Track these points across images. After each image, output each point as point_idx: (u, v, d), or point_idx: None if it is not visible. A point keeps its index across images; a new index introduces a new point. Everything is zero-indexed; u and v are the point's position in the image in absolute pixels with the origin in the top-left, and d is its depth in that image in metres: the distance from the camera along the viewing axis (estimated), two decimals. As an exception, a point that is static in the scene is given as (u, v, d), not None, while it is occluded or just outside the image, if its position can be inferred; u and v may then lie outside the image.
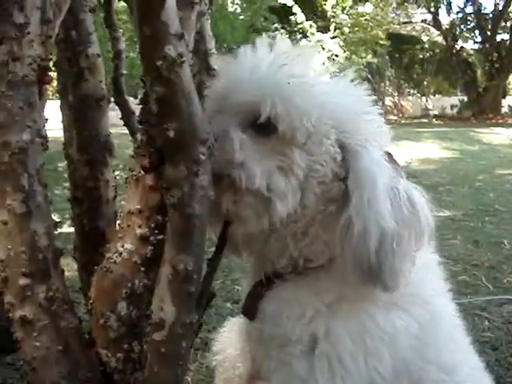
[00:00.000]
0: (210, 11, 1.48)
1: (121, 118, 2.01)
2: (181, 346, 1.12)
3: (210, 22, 1.51)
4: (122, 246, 1.27)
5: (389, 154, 1.19)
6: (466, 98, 25.13)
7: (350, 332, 1.14)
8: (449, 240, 4.07)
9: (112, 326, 1.26)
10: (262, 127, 1.13)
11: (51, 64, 1.37)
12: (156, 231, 1.25)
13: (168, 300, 1.10)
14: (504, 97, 24.63)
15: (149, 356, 1.14)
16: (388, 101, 24.06)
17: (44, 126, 1.20)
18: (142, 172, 1.17)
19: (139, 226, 1.26)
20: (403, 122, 20.24)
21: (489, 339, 2.53)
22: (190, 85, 1.06)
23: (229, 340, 1.44)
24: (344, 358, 1.13)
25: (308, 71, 1.18)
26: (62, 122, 1.62)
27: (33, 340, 1.16)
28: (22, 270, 1.13)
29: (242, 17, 14.47)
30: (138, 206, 1.26)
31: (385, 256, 1.10)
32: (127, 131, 1.97)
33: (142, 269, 1.27)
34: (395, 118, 23.42)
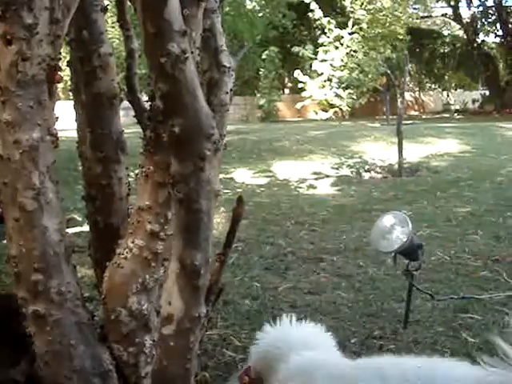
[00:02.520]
0: (223, 9, 1.49)
1: (134, 116, 2.03)
2: (189, 339, 1.13)
3: (220, 19, 1.51)
4: (133, 242, 1.29)
5: None
6: (487, 93, 24.77)
7: None
8: (470, 235, 4.02)
9: (123, 320, 1.28)
10: None
11: (64, 63, 1.39)
12: (166, 227, 1.26)
13: (176, 295, 1.11)
14: (527, 90, 24.21)
15: (158, 350, 1.15)
16: (409, 96, 23.82)
17: (54, 124, 1.21)
18: None
19: (149, 222, 1.28)
20: (424, 117, 20.03)
21: (509, 335, 2.50)
22: (194, 81, 1.07)
23: None
24: None
25: None
26: (76, 120, 1.64)
27: (45, 334, 1.18)
28: (33, 266, 1.15)
29: (260, 14, 14.45)
30: (148, 203, 1.28)
31: None
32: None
33: (153, 264, 1.28)
34: (416, 113, 23.22)
